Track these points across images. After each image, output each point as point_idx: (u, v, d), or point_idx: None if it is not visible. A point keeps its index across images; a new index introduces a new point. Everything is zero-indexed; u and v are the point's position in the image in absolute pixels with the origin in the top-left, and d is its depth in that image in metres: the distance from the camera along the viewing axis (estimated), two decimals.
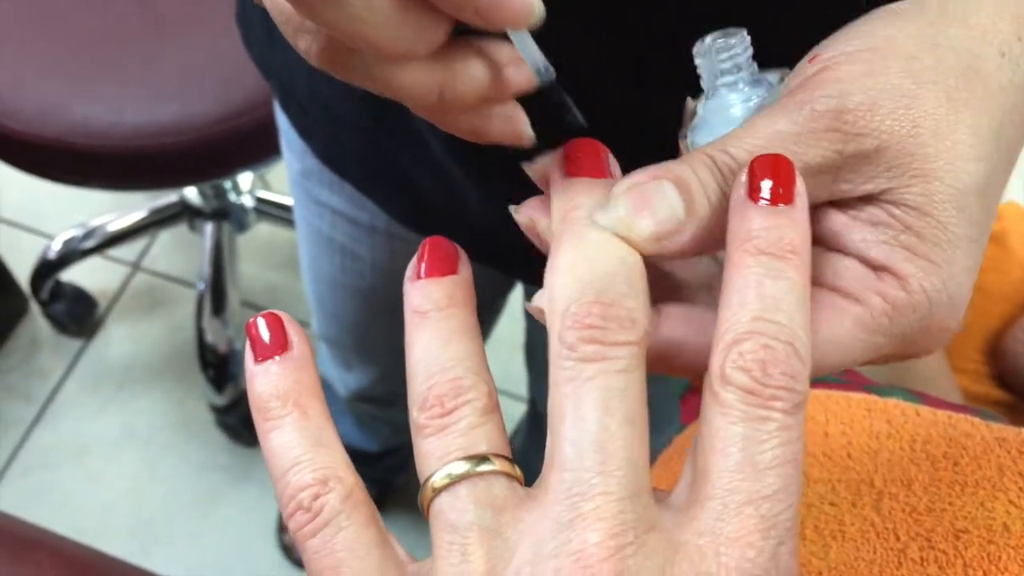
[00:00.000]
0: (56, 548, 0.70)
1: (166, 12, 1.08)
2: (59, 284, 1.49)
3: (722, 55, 0.29)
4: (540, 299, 0.26)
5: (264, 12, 0.63)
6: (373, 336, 0.87)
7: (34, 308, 1.56)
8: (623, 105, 0.40)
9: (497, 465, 0.24)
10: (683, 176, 0.26)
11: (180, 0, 1.09)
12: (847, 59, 0.26)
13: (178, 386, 1.51)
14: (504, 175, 0.51)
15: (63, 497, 1.42)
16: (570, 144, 0.28)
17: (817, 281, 0.27)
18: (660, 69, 0.41)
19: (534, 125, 0.29)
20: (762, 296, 0.23)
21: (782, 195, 0.24)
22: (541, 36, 0.27)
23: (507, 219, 0.29)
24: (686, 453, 0.26)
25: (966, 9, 0.27)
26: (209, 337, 1.39)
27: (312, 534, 0.24)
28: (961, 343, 0.85)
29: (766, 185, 0.24)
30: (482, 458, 0.24)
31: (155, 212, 1.48)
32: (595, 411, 0.23)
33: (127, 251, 1.62)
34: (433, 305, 0.26)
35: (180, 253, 1.63)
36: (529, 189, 0.29)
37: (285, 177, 0.76)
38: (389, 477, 1.32)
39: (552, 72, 0.28)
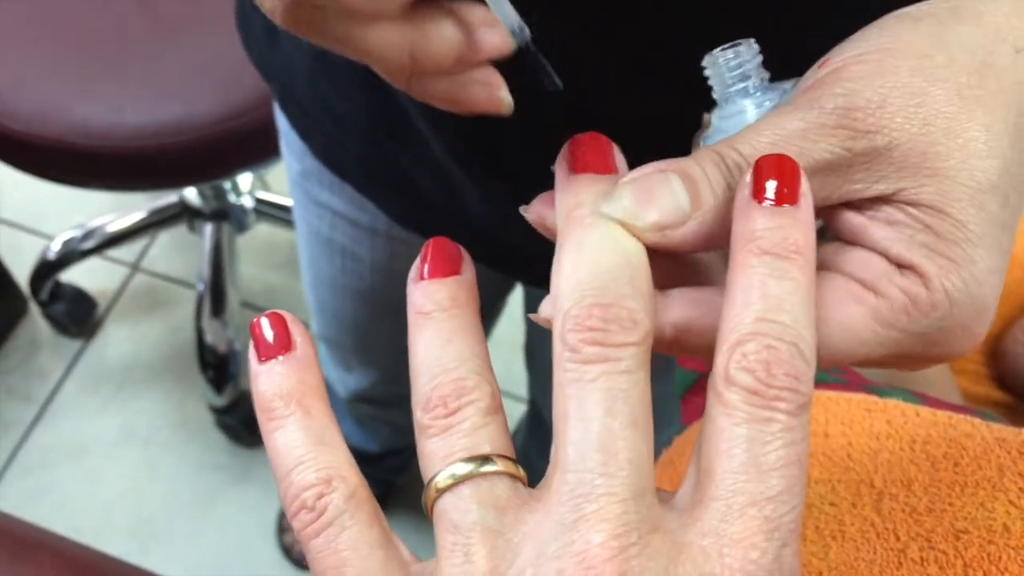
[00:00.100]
0: (56, 548, 0.70)
1: (166, 13, 1.08)
2: (59, 285, 1.49)
3: (732, 63, 0.29)
4: (545, 307, 0.26)
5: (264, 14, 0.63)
6: (373, 337, 0.87)
7: (34, 309, 1.56)
8: (629, 105, 0.40)
9: (500, 466, 0.24)
10: (689, 170, 0.26)
11: (180, 1, 1.09)
12: (856, 60, 0.26)
13: (178, 387, 1.51)
14: (504, 175, 0.52)
15: (63, 497, 1.42)
16: (575, 140, 0.27)
17: (841, 270, 0.27)
18: (666, 69, 0.41)
19: (512, 91, 0.28)
20: (766, 296, 0.23)
21: (786, 195, 0.24)
22: (544, 35, 0.27)
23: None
24: (687, 453, 0.26)
25: (978, 7, 0.27)
26: (208, 338, 1.39)
27: (316, 533, 0.25)
28: None
29: (771, 185, 0.24)
30: (485, 458, 0.24)
31: (155, 213, 1.48)
32: (598, 412, 0.23)
33: (127, 252, 1.62)
34: (436, 306, 0.26)
35: (180, 254, 1.63)
36: (529, 189, 0.29)
37: (284, 178, 0.76)
38: (391, 478, 1.32)
39: (527, 32, 0.27)
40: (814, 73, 0.27)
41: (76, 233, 1.47)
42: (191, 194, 1.43)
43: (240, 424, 1.44)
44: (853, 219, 0.27)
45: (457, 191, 0.56)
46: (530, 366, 1.09)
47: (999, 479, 0.36)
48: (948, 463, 0.38)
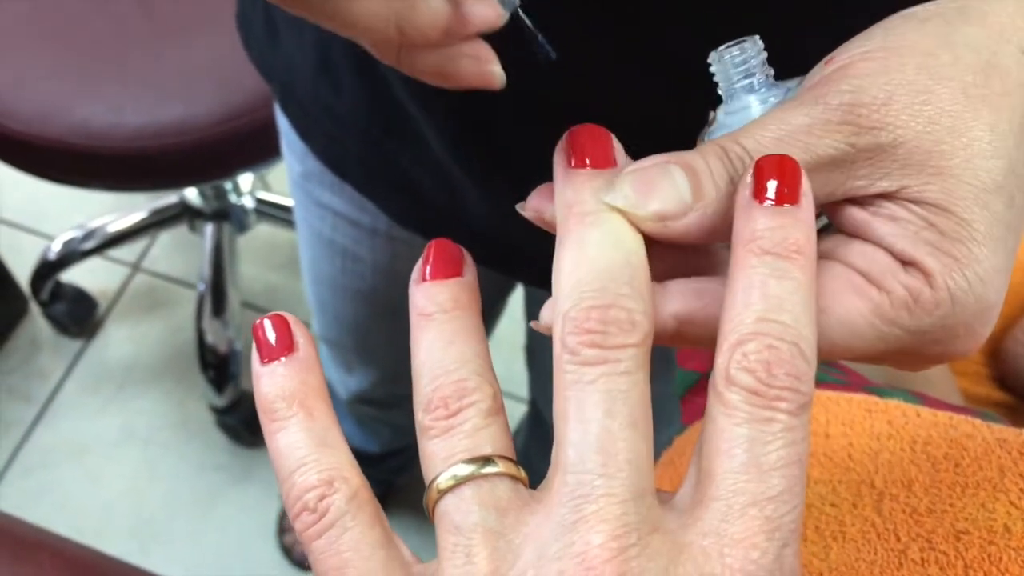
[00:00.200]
0: (57, 549, 0.70)
1: (167, 13, 1.08)
2: (59, 285, 1.49)
3: (737, 59, 0.29)
4: (546, 313, 0.26)
5: (264, 14, 0.63)
6: (374, 338, 0.87)
7: (34, 309, 1.56)
8: (629, 104, 0.40)
9: (501, 467, 0.24)
10: (692, 162, 0.26)
11: (181, 1, 1.09)
12: (863, 58, 0.26)
13: (178, 387, 1.51)
14: (504, 175, 0.52)
15: (63, 497, 1.42)
16: (573, 132, 0.27)
17: (844, 260, 0.27)
18: (666, 69, 0.41)
19: (503, 64, 0.28)
20: (767, 296, 0.23)
21: (787, 195, 0.24)
22: (544, 34, 0.26)
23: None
24: (688, 453, 0.26)
25: (984, 8, 0.27)
26: (209, 338, 1.39)
27: (318, 535, 0.25)
28: None
29: (772, 185, 0.24)
30: (487, 460, 0.24)
31: (155, 213, 1.48)
32: (597, 414, 0.23)
33: (127, 252, 1.62)
34: (438, 307, 0.26)
35: (180, 254, 1.63)
36: (529, 190, 0.29)
37: (285, 178, 0.76)
38: (392, 478, 1.32)
39: (517, 0, 0.27)
40: (820, 70, 0.27)
41: (77, 233, 1.47)
42: (192, 194, 1.43)
43: (240, 424, 1.44)
44: (856, 214, 0.27)
45: (457, 191, 0.56)
46: (531, 366, 1.09)
47: (1000, 480, 0.36)
48: (949, 464, 0.38)
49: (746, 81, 0.29)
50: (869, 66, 0.26)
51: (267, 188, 1.52)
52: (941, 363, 0.28)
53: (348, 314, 0.83)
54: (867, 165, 0.26)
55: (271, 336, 0.27)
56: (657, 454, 0.50)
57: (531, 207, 0.28)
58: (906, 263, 0.26)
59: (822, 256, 0.27)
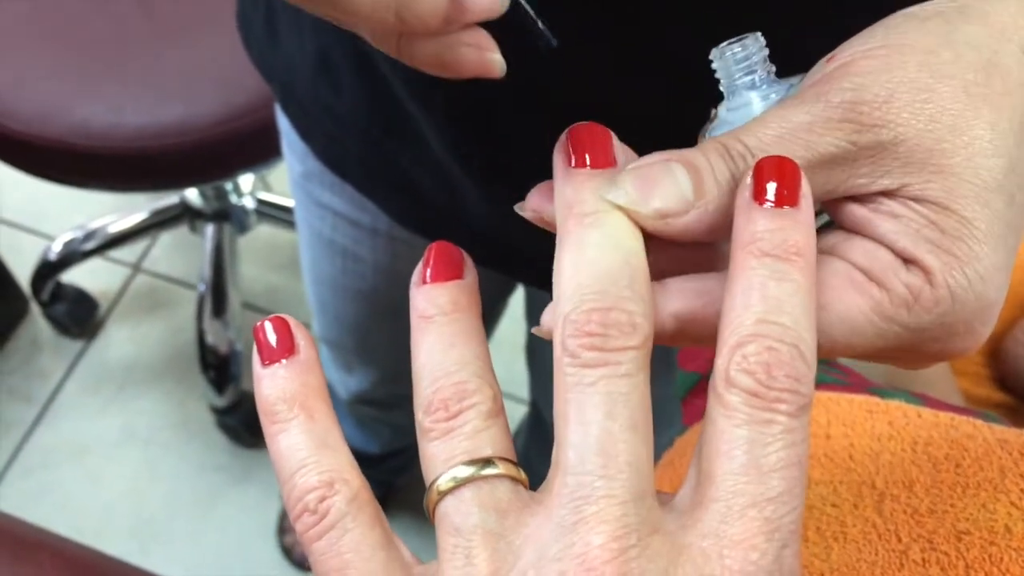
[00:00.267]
0: (57, 549, 0.70)
1: (167, 13, 1.08)
2: (60, 285, 1.49)
3: (738, 55, 0.29)
4: (546, 317, 0.26)
5: (264, 13, 0.63)
6: (374, 338, 0.87)
7: (35, 309, 1.56)
8: (629, 104, 0.40)
9: (502, 468, 0.24)
10: (693, 159, 0.26)
11: (181, 1, 1.09)
12: (864, 55, 0.26)
13: (178, 387, 1.51)
14: (504, 175, 0.52)
15: (63, 498, 1.42)
16: (573, 130, 0.27)
17: (844, 256, 0.27)
18: (666, 69, 0.41)
19: (503, 53, 0.27)
20: (766, 298, 0.23)
21: (787, 197, 0.24)
22: (549, 28, 0.26)
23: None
24: (688, 455, 0.26)
25: (985, 7, 0.27)
26: (210, 338, 1.39)
27: (319, 536, 0.25)
28: None
29: (771, 187, 0.24)
30: (487, 461, 0.24)
31: (156, 213, 1.48)
32: (598, 416, 0.23)
33: (128, 252, 1.62)
34: (438, 310, 0.26)
35: (181, 254, 1.63)
36: (529, 190, 0.29)
37: (286, 178, 0.76)
38: (392, 479, 1.32)
39: None
40: (821, 67, 0.27)
41: (77, 234, 1.47)
42: (192, 195, 1.43)
43: (241, 425, 1.44)
44: (857, 211, 0.27)
45: (457, 191, 0.56)
46: (531, 367, 1.09)
47: (1001, 480, 0.36)
48: (950, 464, 0.38)
49: (748, 78, 0.29)
50: (870, 64, 0.26)
51: (268, 189, 1.52)
52: (941, 361, 0.28)
53: (349, 314, 0.83)
54: (868, 163, 0.26)
55: (272, 338, 0.27)
56: (658, 455, 0.50)
57: (530, 207, 0.28)
58: (907, 261, 0.26)
59: (823, 252, 0.27)
